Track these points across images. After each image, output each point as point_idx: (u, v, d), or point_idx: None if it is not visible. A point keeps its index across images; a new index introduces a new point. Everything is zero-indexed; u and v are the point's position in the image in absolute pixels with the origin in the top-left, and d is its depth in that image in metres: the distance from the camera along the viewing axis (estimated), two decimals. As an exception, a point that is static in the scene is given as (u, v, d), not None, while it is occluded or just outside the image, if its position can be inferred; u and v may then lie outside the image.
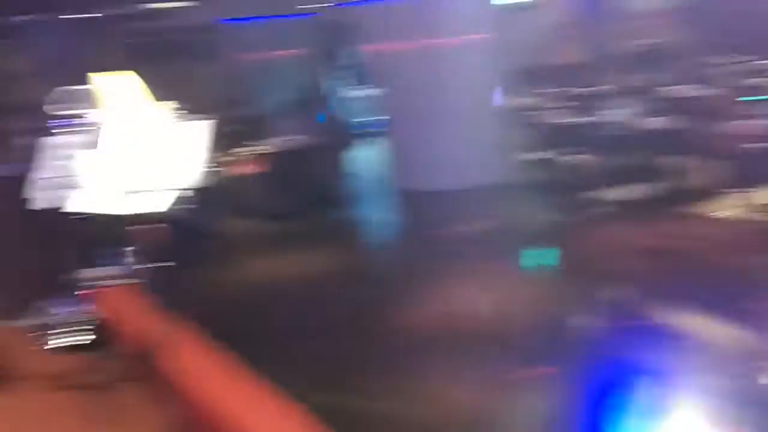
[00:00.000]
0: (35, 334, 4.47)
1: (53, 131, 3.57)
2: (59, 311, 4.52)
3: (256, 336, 4.60)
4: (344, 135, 6.19)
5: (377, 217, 5.76)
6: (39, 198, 3.56)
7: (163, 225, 3.42)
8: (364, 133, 6.33)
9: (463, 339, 4.46)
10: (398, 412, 3.74)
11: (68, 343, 4.44)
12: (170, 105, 3.59)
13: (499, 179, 7.12)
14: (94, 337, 4.44)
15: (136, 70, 3.76)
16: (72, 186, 3.48)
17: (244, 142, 7.06)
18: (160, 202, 3.31)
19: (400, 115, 6.63)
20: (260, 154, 7.09)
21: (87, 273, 4.61)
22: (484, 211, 6.76)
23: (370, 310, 5.04)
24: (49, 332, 4.42)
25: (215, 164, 3.46)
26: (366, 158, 6.16)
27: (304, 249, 6.59)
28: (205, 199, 3.40)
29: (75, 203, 3.46)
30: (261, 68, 7.85)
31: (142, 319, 4.30)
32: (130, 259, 4.70)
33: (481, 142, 7.35)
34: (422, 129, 7.37)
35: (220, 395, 3.92)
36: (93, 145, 3.43)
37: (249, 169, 7.01)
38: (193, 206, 3.33)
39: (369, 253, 5.66)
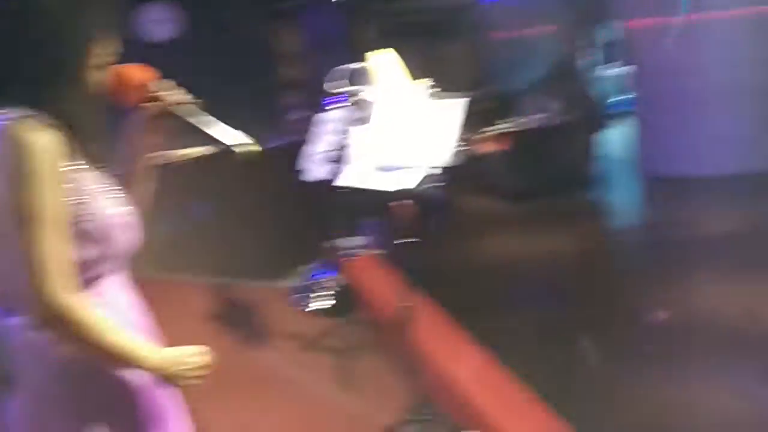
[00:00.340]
0: (294, 296, 4.80)
1: (328, 107, 3.78)
2: (317, 276, 4.81)
3: (494, 315, 4.60)
4: (593, 115, 5.97)
5: (624, 201, 5.50)
6: (310, 169, 3.79)
7: (412, 201, 3.49)
8: (615, 113, 6.06)
9: (710, 340, 4.16)
10: (642, 418, 3.56)
11: (320, 307, 4.72)
12: (426, 83, 3.64)
13: (763, 168, 6.52)
14: (342, 303, 4.68)
15: (395, 49, 3.85)
16: (341, 160, 3.66)
17: (493, 121, 7.05)
18: (412, 179, 3.37)
19: (656, 95, 6.23)
20: (508, 132, 7.06)
21: (343, 242, 4.86)
22: (743, 202, 6.25)
23: (611, 299, 4.85)
24: (305, 295, 4.73)
25: (465, 142, 3.45)
26: (615, 139, 5.89)
27: (546, 230, 6.48)
28: (453, 177, 3.41)
29: (341, 177, 3.63)
30: (513, 46, 7.78)
31: (386, 290, 4.46)
32: (380, 233, 4.89)
33: (746, 126, 6.75)
34: (680, 110, 6.89)
35: (456, 369, 3.97)
36: (362, 121, 3.57)
37: (496, 147, 7.01)
38: (442, 184, 3.35)
39: (613, 239, 5.43)
